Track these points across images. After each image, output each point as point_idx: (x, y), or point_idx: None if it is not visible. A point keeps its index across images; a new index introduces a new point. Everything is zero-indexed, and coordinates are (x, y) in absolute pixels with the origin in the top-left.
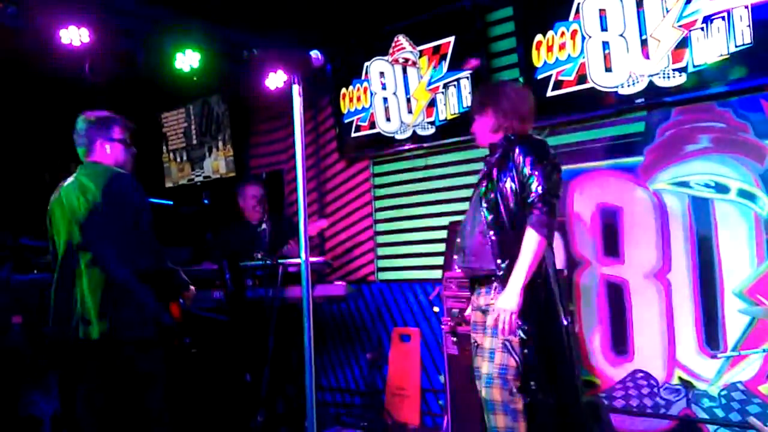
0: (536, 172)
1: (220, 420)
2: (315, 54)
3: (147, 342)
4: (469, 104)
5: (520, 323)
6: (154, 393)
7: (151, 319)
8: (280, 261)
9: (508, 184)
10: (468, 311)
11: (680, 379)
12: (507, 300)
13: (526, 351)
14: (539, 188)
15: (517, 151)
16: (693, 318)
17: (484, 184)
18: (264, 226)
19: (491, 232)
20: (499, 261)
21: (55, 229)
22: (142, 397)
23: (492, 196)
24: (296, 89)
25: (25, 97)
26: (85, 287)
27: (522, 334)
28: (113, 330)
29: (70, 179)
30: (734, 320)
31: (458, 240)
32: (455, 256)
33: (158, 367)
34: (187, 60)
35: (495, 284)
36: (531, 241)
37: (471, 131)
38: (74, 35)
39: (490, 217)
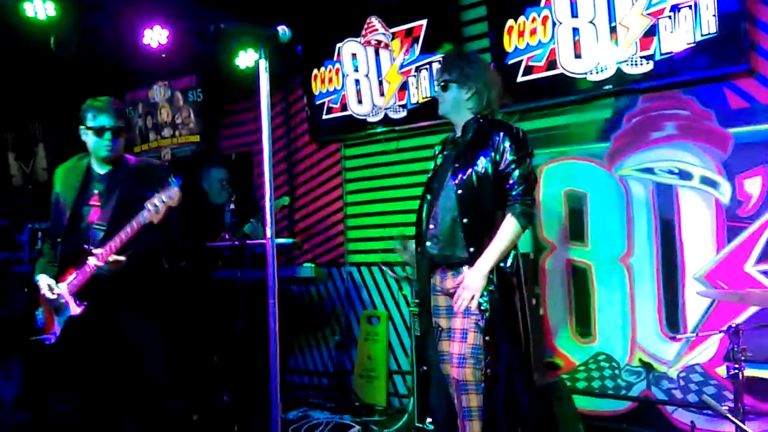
0: (518, 162)
1: (186, 400)
2: (282, 29)
3: None
4: (443, 66)
5: (480, 304)
6: None
7: None
8: (248, 242)
9: (484, 167)
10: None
11: (641, 361)
12: (474, 279)
13: (488, 338)
14: (522, 179)
15: (498, 136)
16: (654, 302)
17: (457, 166)
18: (230, 207)
19: (464, 219)
20: (472, 249)
21: None
22: None
23: (467, 177)
24: (263, 64)
25: None
26: None
27: (481, 317)
28: None
29: None
30: (694, 304)
31: (431, 226)
32: (428, 243)
33: None
34: (156, 37)
35: (464, 268)
36: (511, 229)
37: (439, 99)
38: (39, 8)
39: (463, 200)
